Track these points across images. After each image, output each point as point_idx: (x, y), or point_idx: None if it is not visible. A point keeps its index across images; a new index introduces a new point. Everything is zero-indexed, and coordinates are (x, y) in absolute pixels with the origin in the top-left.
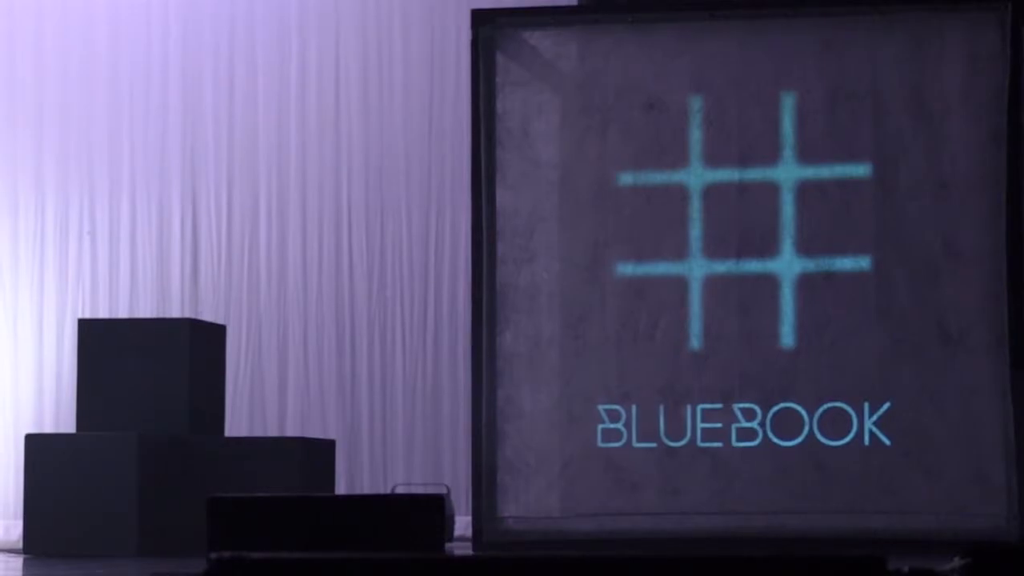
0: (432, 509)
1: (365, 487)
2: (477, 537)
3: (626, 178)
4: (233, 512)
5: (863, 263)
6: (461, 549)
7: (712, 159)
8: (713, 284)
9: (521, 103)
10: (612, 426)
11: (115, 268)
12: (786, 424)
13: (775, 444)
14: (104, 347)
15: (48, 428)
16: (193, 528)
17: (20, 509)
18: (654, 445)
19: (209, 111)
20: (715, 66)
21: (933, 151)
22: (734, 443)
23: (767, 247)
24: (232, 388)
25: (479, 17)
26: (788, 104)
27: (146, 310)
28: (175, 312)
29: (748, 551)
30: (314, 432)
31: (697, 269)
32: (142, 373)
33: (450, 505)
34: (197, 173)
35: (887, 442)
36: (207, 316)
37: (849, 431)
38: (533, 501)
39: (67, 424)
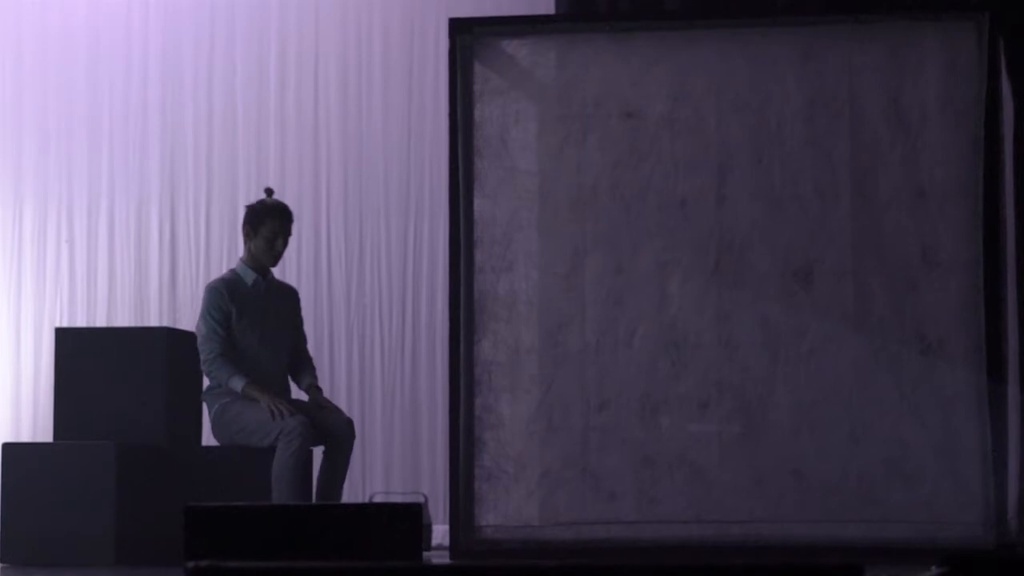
0: (410, 518)
1: (343, 495)
2: (455, 546)
3: (604, 187)
4: (210, 521)
5: (841, 272)
6: (439, 558)
7: (690, 168)
8: (691, 292)
9: (499, 111)
10: (591, 435)
11: (93, 276)
12: (764, 433)
13: (753, 453)
14: (82, 355)
15: (25, 437)
16: (171, 537)
17: None
18: (632, 454)
19: (188, 120)
20: (694, 75)
21: (911, 160)
22: (712, 452)
23: (745, 255)
24: None
25: (457, 26)
26: (766, 113)
27: (124, 318)
28: (153, 320)
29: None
30: None
31: (675, 278)
32: (120, 381)
33: (428, 514)
34: (176, 181)
35: (865, 450)
36: (185, 324)
37: (827, 439)
38: (511, 510)
39: (44, 433)
